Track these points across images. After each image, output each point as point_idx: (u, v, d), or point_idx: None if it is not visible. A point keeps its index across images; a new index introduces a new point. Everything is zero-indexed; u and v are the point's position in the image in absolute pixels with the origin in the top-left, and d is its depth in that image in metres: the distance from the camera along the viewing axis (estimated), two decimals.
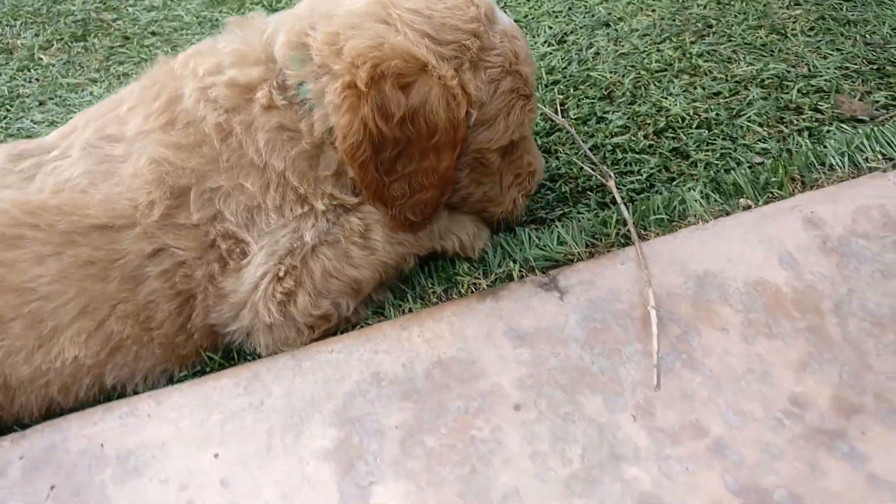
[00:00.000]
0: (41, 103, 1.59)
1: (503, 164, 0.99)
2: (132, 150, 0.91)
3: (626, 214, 1.03)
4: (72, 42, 1.81)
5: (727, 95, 1.27)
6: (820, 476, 0.73)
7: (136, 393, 0.92)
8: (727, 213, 1.03)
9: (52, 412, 0.92)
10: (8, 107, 1.59)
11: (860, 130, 1.13)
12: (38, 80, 1.68)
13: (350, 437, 0.81)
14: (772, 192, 1.05)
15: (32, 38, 1.85)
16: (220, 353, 0.98)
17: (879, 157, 1.07)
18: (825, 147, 1.11)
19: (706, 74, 1.32)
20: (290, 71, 0.89)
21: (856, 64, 1.29)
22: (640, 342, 0.86)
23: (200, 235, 0.91)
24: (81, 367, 0.90)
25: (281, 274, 0.92)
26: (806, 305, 0.88)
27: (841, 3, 1.44)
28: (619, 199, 1.06)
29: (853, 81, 1.26)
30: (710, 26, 1.44)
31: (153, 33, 1.80)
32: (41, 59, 1.76)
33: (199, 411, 0.86)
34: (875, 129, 1.12)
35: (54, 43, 1.82)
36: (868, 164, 1.06)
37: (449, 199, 0.98)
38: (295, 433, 0.82)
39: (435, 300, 0.99)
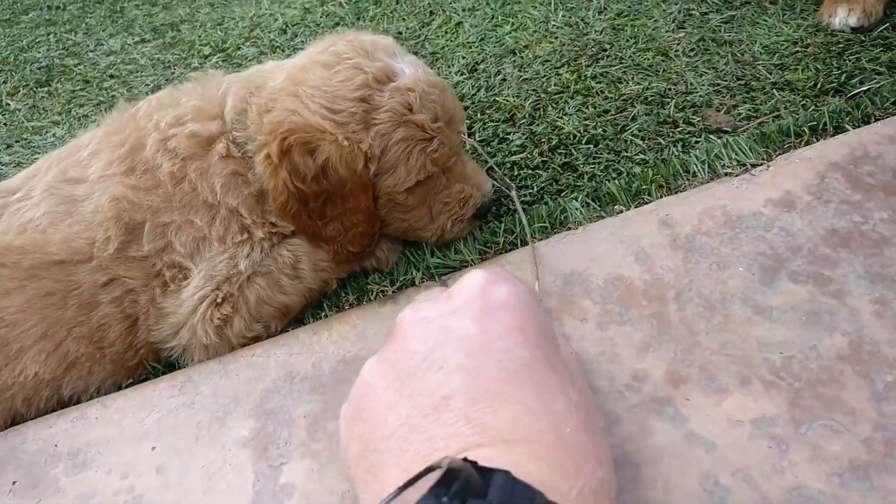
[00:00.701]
0: (8, 146, 1.74)
1: (430, 196, 1.12)
2: (93, 191, 1.06)
3: (524, 220, 1.19)
4: (37, 87, 1.97)
5: (614, 113, 1.44)
6: (648, 436, 0.88)
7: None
8: (602, 219, 1.19)
9: (15, 422, 1.07)
10: None
11: (722, 140, 1.30)
12: (5, 124, 1.83)
13: (265, 426, 0.96)
14: (642, 199, 1.22)
15: (0, 84, 2.00)
16: (163, 363, 1.13)
17: (735, 163, 1.24)
18: (690, 156, 1.27)
19: (598, 94, 1.49)
20: (236, 132, 1.06)
21: (727, 80, 1.46)
22: None
23: (148, 266, 1.05)
24: (41, 382, 1.05)
25: (219, 300, 1.06)
26: (653, 295, 1.03)
27: (720, 25, 1.61)
28: (519, 208, 1.22)
29: (723, 96, 1.43)
30: (605, 50, 1.61)
31: (111, 76, 1.96)
32: (8, 104, 1.91)
33: (139, 411, 1.00)
34: (732, 139, 1.28)
35: (20, 89, 1.97)
36: (724, 171, 1.23)
37: (383, 231, 1.14)
38: (219, 425, 0.97)
39: (348, 307, 1.14)
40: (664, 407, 0.91)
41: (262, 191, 1.06)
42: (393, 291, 1.14)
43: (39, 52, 2.13)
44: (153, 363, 1.12)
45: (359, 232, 1.07)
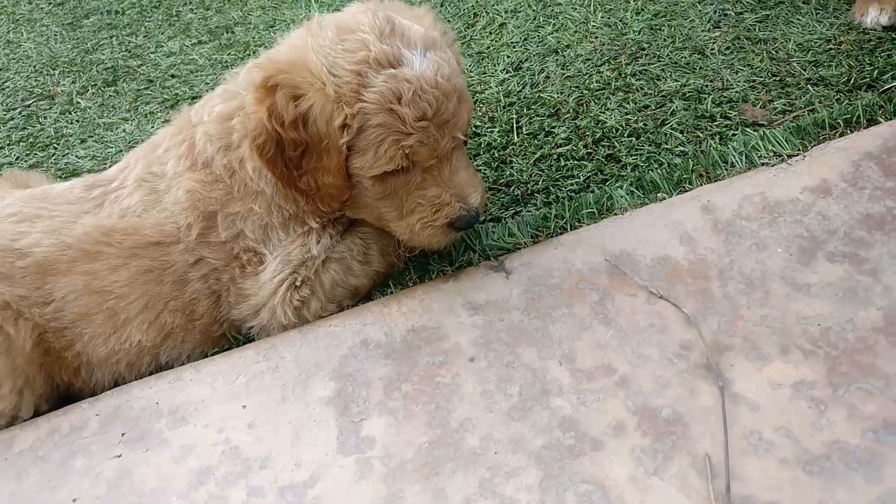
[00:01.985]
0: (82, 141, 1.88)
1: (402, 192, 1.08)
2: (172, 185, 1.17)
3: None
4: (104, 87, 2.10)
5: (654, 108, 1.52)
6: (696, 397, 0.97)
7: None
8: (647, 205, 1.28)
9: (117, 385, 1.18)
10: (55, 146, 1.87)
11: (758, 133, 1.37)
12: (78, 121, 1.96)
13: (345, 387, 1.06)
14: (683, 187, 1.30)
15: (70, 84, 2.14)
16: (243, 336, 1.24)
17: (771, 154, 1.31)
18: (728, 148, 1.35)
19: (638, 91, 1.58)
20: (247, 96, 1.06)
21: (762, 77, 1.53)
22: (566, 307, 1.11)
23: (227, 249, 1.16)
24: (143, 349, 1.16)
25: (297, 283, 1.15)
26: (697, 273, 1.12)
27: (755, 24, 1.68)
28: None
29: (758, 92, 1.50)
30: (643, 49, 1.69)
31: (173, 76, 2.09)
32: (79, 102, 2.05)
33: (229, 374, 1.12)
34: (768, 131, 1.36)
35: (89, 88, 2.11)
36: (761, 161, 1.31)
37: (359, 215, 1.16)
38: (303, 387, 1.08)
39: (411, 284, 1.24)
40: (710, 372, 0.99)
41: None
42: (452, 271, 1.23)
43: (104, 54, 2.27)
44: (236, 334, 1.23)
45: (329, 193, 1.06)
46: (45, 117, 2.00)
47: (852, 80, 1.46)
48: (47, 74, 2.22)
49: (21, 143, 1.90)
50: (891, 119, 1.31)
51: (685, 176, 1.31)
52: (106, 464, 1.02)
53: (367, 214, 1.16)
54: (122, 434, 1.06)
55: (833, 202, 1.17)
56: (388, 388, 1.05)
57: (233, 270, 1.17)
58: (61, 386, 1.18)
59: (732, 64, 1.59)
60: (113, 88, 2.09)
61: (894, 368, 0.94)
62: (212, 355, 1.20)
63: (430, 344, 1.09)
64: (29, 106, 2.08)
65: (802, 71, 1.52)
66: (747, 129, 1.41)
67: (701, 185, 1.29)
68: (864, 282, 1.05)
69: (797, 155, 1.29)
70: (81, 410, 1.11)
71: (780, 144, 1.32)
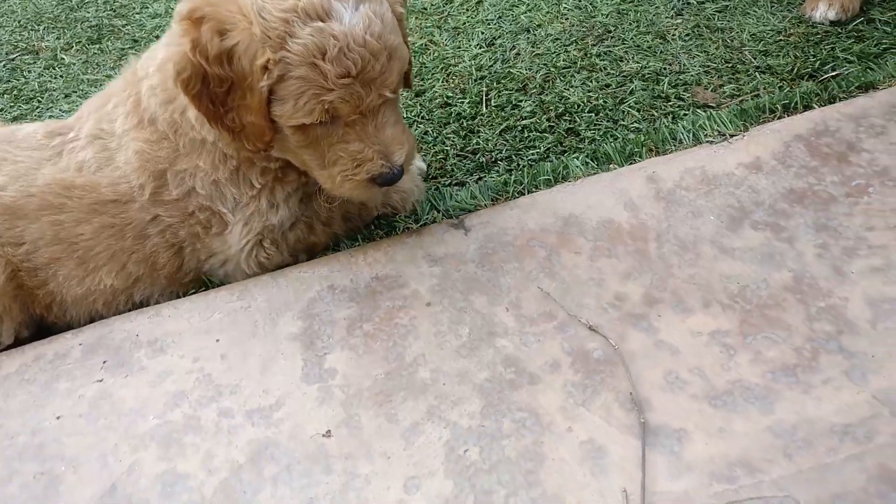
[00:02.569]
0: (66, 96, 1.92)
1: (324, 143, 1.07)
2: (121, 144, 1.19)
3: None
4: (88, 44, 2.14)
5: (615, 87, 1.63)
6: (626, 342, 1.08)
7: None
8: (598, 174, 1.39)
9: (93, 320, 1.27)
10: (39, 99, 1.92)
11: (706, 114, 1.49)
12: (62, 76, 2.01)
13: (311, 325, 1.16)
14: (633, 160, 1.41)
15: (55, 40, 2.17)
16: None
17: (715, 133, 1.43)
18: (678, 126, 1.46)
19: (601, 70, 1.68)
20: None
21: (716, 63, 1.64)
22: (517, 261, 1.22)
23: (182, 207, 1.20)
24: (116, 290, 1.25)
25: (265, 243, 1.23)
26: (637, 236, 1.23)
27: (714, 14, 1.79)
28: None
29: (711, 77, 1.61)
30: (609, 32, 1.79)
31: (157, 37, 2.13)
32: (63, 58, 2.09)
33: (204, 312, 1.21)
34: (715, 113, 1.47)
35: (73, 45, 2.14)
36: (706, 139, 1.42)
37: (286, 158, 1.15)
38: (272, 324, 1.17)
39: (378, 238, 1.34)
40: (640, 321, 1.11)
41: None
42: (417, 227, 1.33)
43: (88, 12, 2.30)
44: (209, 279, 1.32)
45: (253, 133, 1.05)
46: (30, 71, 2.04)
47: (796, 69, 1.57)
48: (32, 30, 2.24)
49: (5, 96, 1.95)
50: (824, 106, 1.43)
51: (636, 150, 1.42)
52: (88, 387, 1.11)
53: (292, 158, 1.15)
54: (104, 361, 1.15)
55: (763, 177, 1.29)
56: (350, 327, 1.15)
57: (193, 227, 1.23)
58: (36, 317, 1.26)
59: (690, 50, 1.69)
60: (97, 46, 2.13)
61: (796, 321, 1.07)
62: (188, 295, 1.29)
63: (391, 290, 1.19)
64: (13, 60, 2.11)
65: (753, 59, 1.63)
66: (697, 110, 1.52)
67: (650, 158, 1.40)
68: (780, 247, 1.17)
69: (738, 135, 1.40)
70: (65, 340, 1.20)
71: (724, 125, 1.43)
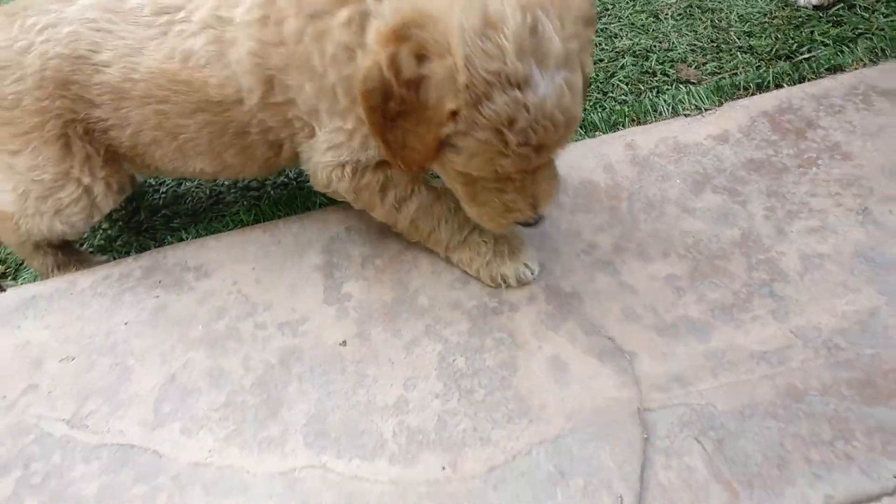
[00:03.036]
0: None
1: (482, 184, 1.09)
2: (237, 37, 1.14)
3: None
4: None
5: (607, 62, 1.79)
6: (593, 282, 1.29)
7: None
8: (583, 140, 1.57)
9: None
10: None
11: (686, 89, 1.65)
12: None
13: (331, 259, 1.39)
14: (617, 128, 1.59)
15: None
16: (264, 203, 1.55)
17: (692, 107, 1.60)
18: (660, 100, 1.63)
19: (596, 46, 1.84)
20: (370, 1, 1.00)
21: (702, 42, 1.80)
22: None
23: (284, 112, 1.20)
24: (205, 172, 1.37)
25: (346, 170, 1.22)
26: (612, 195, 1.43)
27: None
28: None
29: (696, 55, 1.77)
30: (607, 10, 1.94)
31: None
32: None
33: (242, 245, 1.44)
34: (695, 88, 1.64)
35: None
36: (683, 112, 1.59)
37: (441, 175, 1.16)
38: (299, 257, 1.40)
39: None
40: (607, 266, 1.32)
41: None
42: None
43: None
44: (244, 216, 1.54)
45: (412, 157, 1.04)
46: None
47: (775, 50, 1.73)
48: None
49: None
50: (793, 85, 1.60)
51: (620, 120, 1.60)
52: (148, 300, 1.35)
53: (441, 175, 1.16)
54: (159, 281, 1.39)
55: (727, 148, 1.47)
56: (364, 262, 1.37)
57: (291, 130, 1.25)
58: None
59: (680, 28, 1.85)
60: None
61: (738, 270, 1.27)
62: (231, 229, 1.51)
63: (399, 237, 1.41)
64: None
65: (737, 39, 1.79)
66: (680, 86, 1.69)
67: (631, 127, 1.58)
68: (734, 209, 1.37)
69: (712, 109, 1.58)
70: (127, 263, 1.44)
71: (701, 100, 1.60)
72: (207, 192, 1.67)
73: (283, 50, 1.12)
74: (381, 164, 1.23)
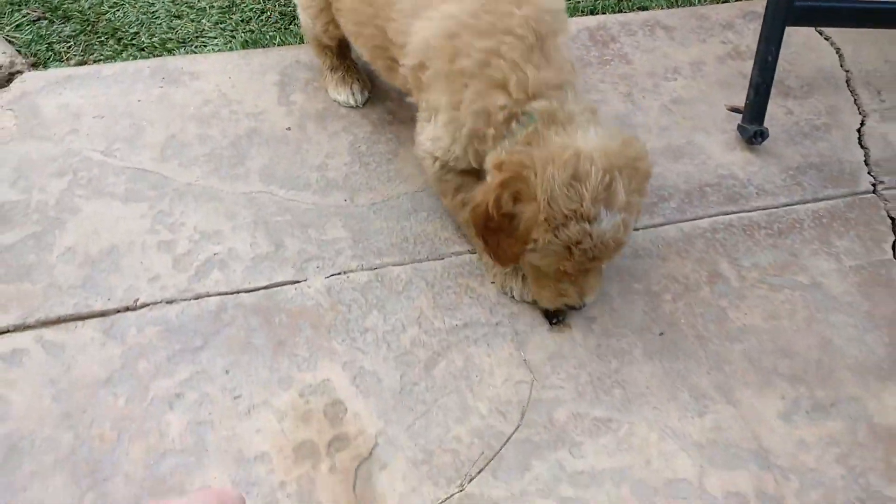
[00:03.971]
0: None
1: (543, 271, 1.42)
2: (432, 18, 1.42)
3: None
4: None
5: None
6: None
7: None
8: None
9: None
10: None
11: None
12: None
13: (284, 79, 2.05)
14: None
15: None
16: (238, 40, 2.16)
17: None
18: None
19: None
20: (523, 118, 1.36)
21: None
22: None
23: (420, 91, 1.53)
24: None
25: (437, 163, 1.55)
26: None
27: None
28: None
29: None
30: None
31: None
32: None
33: (224, 62, 2.06)
34: None
35: None
36: None
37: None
38: (262, 74, 2.05)
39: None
40: None
41: (476, 147, 1.44)
42: None
43: None
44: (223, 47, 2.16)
45: (505, 255, 1.39)
46: None
47: None
48: None
49: None
50: (613, 14, 2.36)
51: None
52: (154, 89, 1.98)
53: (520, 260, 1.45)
54: (163, 78, 2.01)
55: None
56: (306, 83, 2.05)
57: (417, 96, 1.58)
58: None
59: None
60: None
61: None
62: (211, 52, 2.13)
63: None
64: None
65: None
66: None
67: None
68: None
69: None
70: (138, 64, 2.04)
71: None
72: (193, 28, 2.25)
73: (447, 66, 1.40)
74: (462, 172, 1.56)
